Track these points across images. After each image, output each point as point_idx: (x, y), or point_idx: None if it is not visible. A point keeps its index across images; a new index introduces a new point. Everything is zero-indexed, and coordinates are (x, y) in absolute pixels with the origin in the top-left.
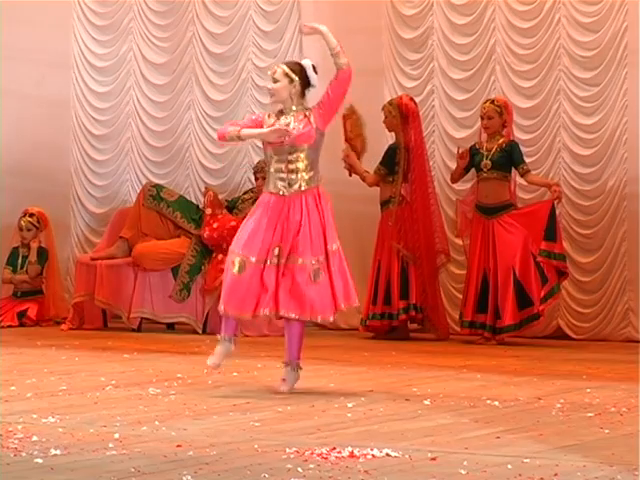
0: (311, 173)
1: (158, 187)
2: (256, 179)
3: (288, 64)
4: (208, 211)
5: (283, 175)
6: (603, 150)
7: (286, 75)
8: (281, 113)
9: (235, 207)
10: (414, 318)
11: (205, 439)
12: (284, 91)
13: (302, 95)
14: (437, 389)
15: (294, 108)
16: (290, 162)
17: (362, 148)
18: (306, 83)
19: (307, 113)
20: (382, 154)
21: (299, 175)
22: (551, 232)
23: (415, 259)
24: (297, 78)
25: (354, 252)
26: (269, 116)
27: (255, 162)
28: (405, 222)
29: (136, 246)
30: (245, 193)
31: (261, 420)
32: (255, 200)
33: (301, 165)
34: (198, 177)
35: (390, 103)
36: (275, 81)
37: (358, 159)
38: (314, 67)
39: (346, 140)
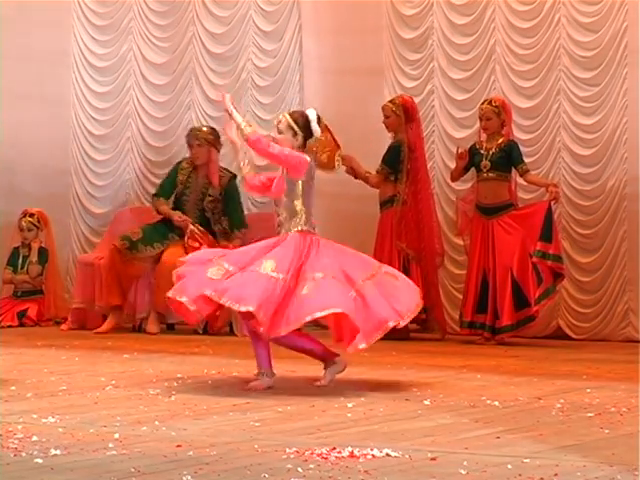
0: (295, 220)
1: (124, 238)
2: (190, 147)
3: (293, 115)
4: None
5: (277, 229)
6: (603, 150)
7: (290, 128)
8: None
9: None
10: (415, 318)
11: (205, 439)
12: (286, 143)
13: (303, 146)
14: (437, 389)
15: None
16: (279, 214)
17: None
18: (308, 134)
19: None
20: (382, 154)
21: (285, 225)
22: (547, 233)
23: (418, 258)
24: (300, 132)
25: None
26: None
27: (253, 161)
28: (409, 222)
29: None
30: (179, 163)
31: (261, 420)
32: (192, 171)
33: (286, 214)
34: None
35: (393, 102)
36: (279, 132)
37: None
38: (319, 118)
39: (336, 146)
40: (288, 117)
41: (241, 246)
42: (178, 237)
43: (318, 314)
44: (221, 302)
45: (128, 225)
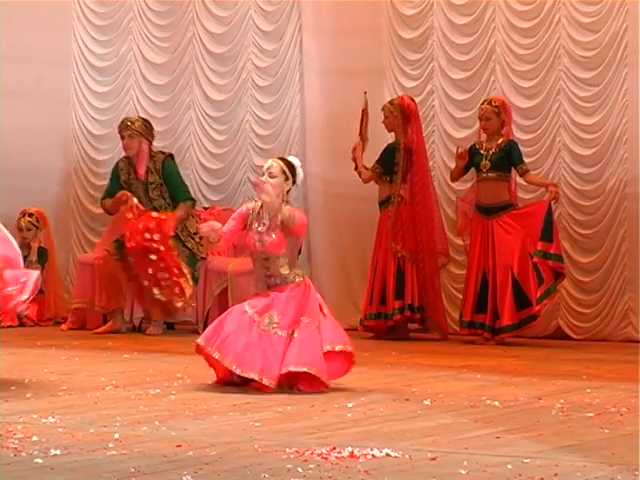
0: (288, 271)
1: (113, 241)
2: (122, 138)
3: (283, 161)
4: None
5: (265, 279)
6: (603, 150)
7: (283, 172)
8: (262, 208)
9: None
10: (411, 318)
11: (205, 439)
12: (278, 188)
13: (288, 192)
14: (437, 389)
15: (277, 208)
16: (267, 268)
17: (364, 148)
18: (294, 182)
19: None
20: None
21: (278, 278)
22: (547, 232)
23: (414, 259)
24: (291, 177)
25: (353, 252)
26: (253, 210)
27: (254, 162)
28: (404, 222)
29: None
30: (117, 165)
31: (261, 420)
32: (129, 168)
33: (276, 270)
34: (198, 177)
35: (391, 103)
36: (272, 176)
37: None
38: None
39: (360, 134)
40: (280, 162)
41: (185, 216)
42: None
43: (292, 368)
44: (225, 364)
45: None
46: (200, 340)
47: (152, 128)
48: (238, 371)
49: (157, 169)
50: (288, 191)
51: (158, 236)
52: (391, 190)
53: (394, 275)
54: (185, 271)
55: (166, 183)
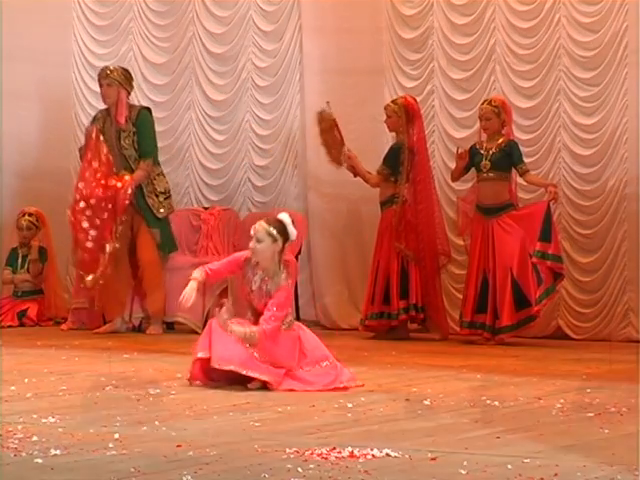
0: (287, 320)
1: None
2: (100, 86)
3: (269, 222)
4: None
5: (254, 323)
6: (603, 150)
7: (269, 235)
8: (257, 265)
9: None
10: (414, 318)
11: (205, 439)
12: (268, 251)
13: (282, 251)
14: (437, 389)
15: (272, 269)
16: (257, 317)
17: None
18: (286, 238)
19: (282, 281)
20: (383, 154)
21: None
22: (546, 233)
23: (417, 259)
24: (280, 237)
25: (354, 252)
26: (250, 261)
27: (254, 162)
28: (408, 222)
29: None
30: (94, 116)
31: (261, 420)
32: (106, 117)
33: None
34: (198, 177)
35: (395, 103)
36: (258, 240)
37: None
38: (292, 221)
39: (342, 142)
40: (265, 225)
41: (145, 176)
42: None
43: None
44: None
45: None
46: (202, 354)
47: (131, 78)
48: (217, 365)
49: (132, 119)
50: (281, 251)
51: (102, 211)
52: (395, 190)
53: (398, 274)
54: (108, 248)
55: (137, 134)
